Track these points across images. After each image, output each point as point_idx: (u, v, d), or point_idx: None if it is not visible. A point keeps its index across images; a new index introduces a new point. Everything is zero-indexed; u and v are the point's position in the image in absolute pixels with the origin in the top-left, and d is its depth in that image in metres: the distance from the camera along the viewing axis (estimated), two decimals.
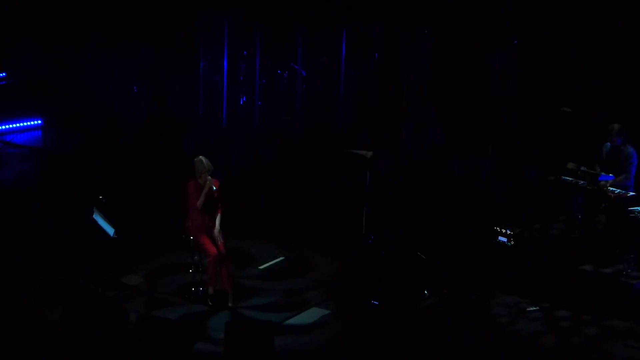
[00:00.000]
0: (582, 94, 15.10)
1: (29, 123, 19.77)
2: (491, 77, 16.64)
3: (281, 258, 12.83)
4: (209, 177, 10.93)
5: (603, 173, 12.30)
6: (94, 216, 10.86)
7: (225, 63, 19.04)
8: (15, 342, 9.90)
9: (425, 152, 17.06)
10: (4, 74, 19.62)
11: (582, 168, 12.43)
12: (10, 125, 19.42)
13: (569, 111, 15.21)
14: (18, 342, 9.92)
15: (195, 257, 11.33)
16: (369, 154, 13.66)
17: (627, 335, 10.58)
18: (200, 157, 11.03)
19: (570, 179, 12.60)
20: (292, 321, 10.81)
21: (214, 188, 10.95)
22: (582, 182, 12.46)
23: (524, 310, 11.12)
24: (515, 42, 16.25)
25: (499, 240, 12.28)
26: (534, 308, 11.14)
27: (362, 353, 10.15)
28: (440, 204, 14.51)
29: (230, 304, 11.02)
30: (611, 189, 12.20)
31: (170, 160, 16.68)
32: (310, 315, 10.97)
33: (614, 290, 11.40)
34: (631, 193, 12.19)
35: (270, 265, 12.59)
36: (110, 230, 10.87)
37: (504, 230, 12.29)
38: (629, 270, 11.63)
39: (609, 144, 12.59)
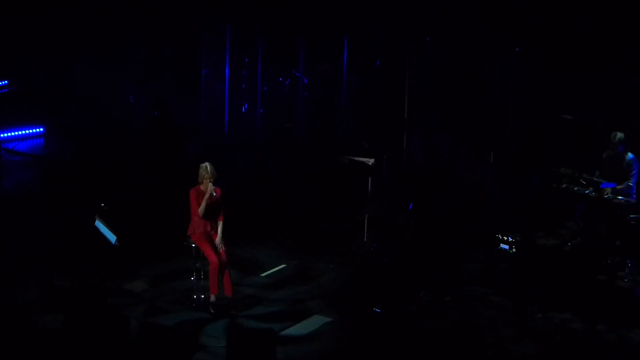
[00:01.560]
0: (584, 101, 15.13)
1: (31, 131, 19.81)
2: (493, 84, 16.67)
3: (283, 265, 12.83)
4: (211, 184, 10.94)
5: (604, 180, 12.31)
6: (96, 224, 10.86)
7: (227, 70, 19.07)
8: (15, 350, 9.90)
9: (427, 159, 17.08)
10: (6, 81, 19.66)
11: (584, 175, 12.44)
12: (13, 133, 19.45)
13: (571, 118, 15.24)
14: (19, 350, 9.91)
15: (197, 265, 11.33)
16: (371, 161, 13.68)
17: (627, 341, 10.57)
18: (206, 163, 11.04)
19: (573, 186, 12.61)
20: (293, 329, 10.80)
21: (215, 194, 10.96)
22: (583, 189, 12.46)
23: (526, 318, 11.10)
24: (517, 49, 16.28)
25: (501, 247, 12.29)
26: (537, 316, 11.12)
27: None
28: (442, 211, 14.51)
29: (231, 312, 11.02)
30: (612, 196, 12.21)
31: (172, 167, 16.70)
32: (312, 323, 10.97)
33: (615, 297, 11.40)
34: (633, 200, 12.20)
35: (272, 272, 12.58)
36: (112, 238, 10.87)
37: (505, 238, 12.30)
38: (631, 278, 11.64)
39: (610, 151, 12.59)
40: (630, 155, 12.40)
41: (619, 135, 12.39)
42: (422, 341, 10.51)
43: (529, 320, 11.01)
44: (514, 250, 12.17)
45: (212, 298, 11.14)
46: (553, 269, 12.00)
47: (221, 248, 11.11)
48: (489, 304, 11.55)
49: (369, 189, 13.92)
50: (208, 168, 10.98)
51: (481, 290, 11.93)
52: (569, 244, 12.51)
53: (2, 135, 18.97)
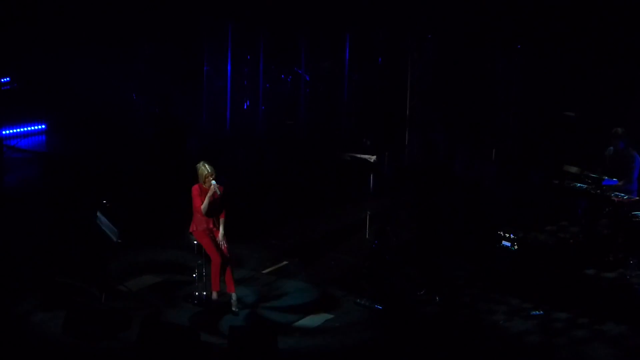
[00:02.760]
0: (586, 98, 15.11)
1: (33, 128, 19.82)
2: (495, 81, 16.66)
3: (285, 262, 12.83)
4: (214, 182, 10.93)
5: (606, 177, 12.30)
6: (98, 220, 10.87)
7: (228, 67, 19.06)
8: (16, 348, 9.90)
9: (429, 156, 17.07)
10: (8, 78, 19.66)
11: (586, 172, 12.43)
12: (15, 130, 19.45)
13: (573, 115, 15.22)
14: (19, 348, 9.91)
15: (199, 262, 11.33)
16: (373, 158, 13.69)
17: (629, 337, 10.56)
18: (202, 162, 11.02)
19: (574, 183, 12.60)
20: (295, 325, 10.80)
21: (218, 192, 10.94)
22: (585, 186, 12.46)
23: (527, 314, 11.09)
24: (519, 46, 16.26)
25: (503, 244, 12.28)
26: (538, 312, 11.11)
27: (367, 356, 10.16)
28: (444, 208, 14.51)
29: (233, 309, 11.02)
30: (614, 193, 12.20)
31: (174, 164, 16.71)
32: (314, 320, 10.97)
33: (617, 294, 11.40)
34: (634, 197, 12.19)
35: (274, 269, 12.58)
36: (114, 235, 10.88)
37: (507, 235, 12.29)
38: (633, 275, 11.63)
39: (612, 148, 12.58)
40: (631, 151, 12.39)
41: (621, 131, 12.37)
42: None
43: (526, 317, 11.02)
44: (515, 247, 12.17)
45: (214, 295, 11.15)
46: (555, 266, 12.00)
47: (223, 245, 11.11)
48: (486, 299, 11.56)
49: (371, 186, 13.93)
50: (207, 166, 10.96)
51: (480, 285, 11.93)
52: (571, 241, 12.50)
53: (4, 132, 18.98)
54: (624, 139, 12.37)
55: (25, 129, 19.64)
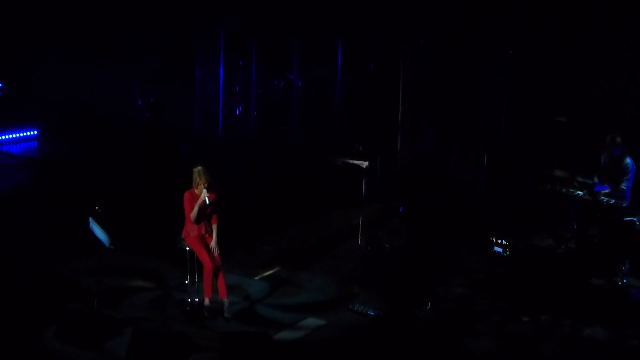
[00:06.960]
0: (578, 104, 15.16)
1: (25, 133, 19.80)
2: (486, 86, 16.70)
3: (277, 268, 12.82)
4: (205, 190, 10.89)
5: (599, 183, 12.33)
6: (90, 226, 10.85)
7: (221, 72, 19.07)
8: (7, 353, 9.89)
9: (421, 161, 17.10)
10: (0, 84, 19.65)
11: (578, 178, 12.46)
12: (7, 136, 19.43)
13: (564, 121, 15.26)
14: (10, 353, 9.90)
15: (191, 268, 11.31)
16: (365, 164, 13.70)
17: (622, 343, 10.58)
18: (200, 167, 10.99)
19: (566, 188, 12.62)
20: (287, 332, 10.79)
21: (207, 201, 10.88)
22: (577, 192, 12.48)
23: (518, 320, 11.10)
24: (510, 52, 16.30)
25: (495, 250, 12.29)
26: (527, 318, 11.13)
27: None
28: (436, 213, 14.53)
29: (225, 315, 11.01)
30: (606, 199, 12.22)
31: (166, 169, 16.69)
32: (305, 326, 10.96)
33: (609, 300, 11.42)
34: (626, 203, 12.21)
35: (266, 275, 12.58)
36: (106, 240, 10.86)
37: (499, 241, 12.30)
38: (625, 280, 11.65)
39: (607, 154, 12.60)
40: (627, 158, 12.40)
41: (616, 138, 12.40)
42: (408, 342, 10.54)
43: (515, 323, 11.02)
44: (507, 253, 12.18)
45: (207, 301, 11.13)
46: (547, 271, 12.02)
47: (216, 251, 11.09)
48: (478, 305, 11.57)
49: (363, 191, 13.94)
50: (201, 173, 10.93)
51: (472, 291, 11.95)
52: (563, 246, 12.53)
53: None
54: (619, 146, 12.39)
55: (17, 134, 19.62)
